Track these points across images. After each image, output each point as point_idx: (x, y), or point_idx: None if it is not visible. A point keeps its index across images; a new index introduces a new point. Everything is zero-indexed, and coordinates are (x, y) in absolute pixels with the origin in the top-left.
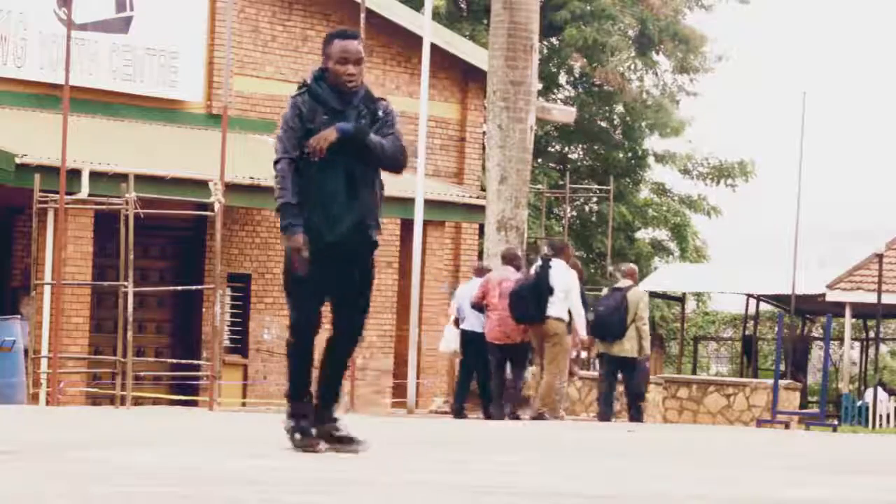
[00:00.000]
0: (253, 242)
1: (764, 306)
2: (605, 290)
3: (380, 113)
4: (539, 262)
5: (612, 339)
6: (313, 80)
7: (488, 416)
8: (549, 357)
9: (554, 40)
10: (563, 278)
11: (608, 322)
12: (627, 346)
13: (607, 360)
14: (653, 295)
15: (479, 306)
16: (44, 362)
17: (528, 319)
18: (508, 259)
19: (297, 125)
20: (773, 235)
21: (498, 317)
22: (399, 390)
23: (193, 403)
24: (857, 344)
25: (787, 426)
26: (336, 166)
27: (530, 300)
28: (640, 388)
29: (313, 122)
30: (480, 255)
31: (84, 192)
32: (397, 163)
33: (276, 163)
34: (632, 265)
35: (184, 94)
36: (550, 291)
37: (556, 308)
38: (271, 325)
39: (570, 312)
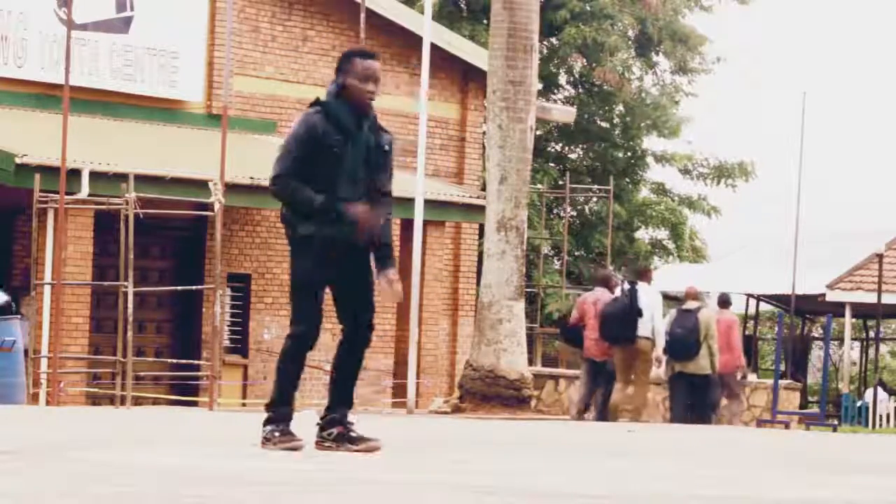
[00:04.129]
0: (253, 242)
1: (764, 306)
2: (672, 312)
3: (385, 147)
4: (626, 286)
5: (688, 358)
6: (331, 98)
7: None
8: (642, 375)
9: (554, 40)
10: (649, 300)
11: (686, 343)
12: (703, 363)
13: (685, 378)
14: None
15: (577, 327)
16: (44, 362)
17: (622, 340)
18: (602, 280)
19: (306, 146)
20: (773, 235)
21: (595, 335)
22: (399, 390)
23: (193, 403)
24: (857, 344)
25: (787, 426)
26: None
27: (623, 322)
28: (714, 400)
29: (326, 141)
30: (480, 256)
31: (84, 192)
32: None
33: (278, 178)
34: (693, 287)
35: (184, 94)
36: (640, 313)
37: (644, 328)
38: (271, 325)
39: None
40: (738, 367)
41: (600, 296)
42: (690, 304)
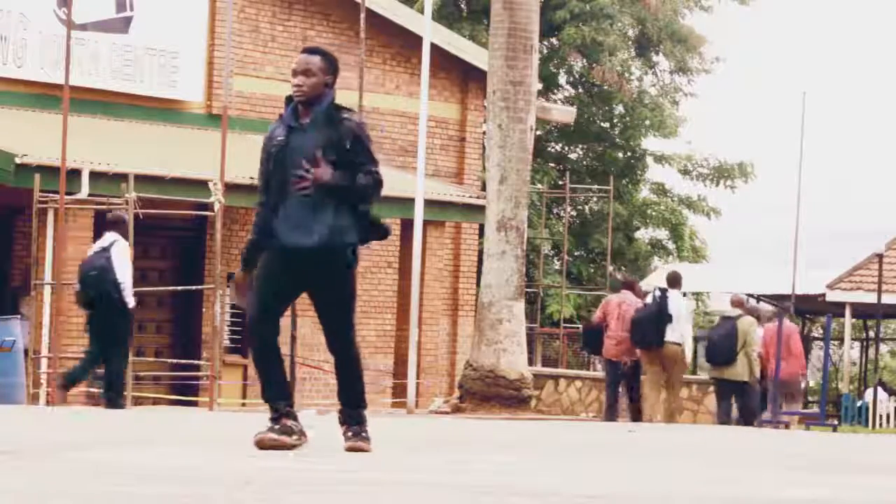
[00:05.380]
0: None
1: (764, 306)
2: (717, 320)
3: (346, 143)
4: (657, 293)
5: (723, 365)
6: (285, 100)
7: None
8: (670, 378)
9: (554, 40)
10: (678, 306)
11: (720, 348)
12: (739, 370)
13: (721, 384)
14: None
15: (599, 327)
16: (44, 362)
17: (649, 344)
18: (628, 284)
19: (263, 150)
20: (773, 235)
21: (616, 338)
22: (399, 390)
23: (193, 403)
24: (857, 344)
25: (787, 426)
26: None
27: (651, 327)
28: (752, 409)
29: (271, 144)
30: (480, 256)
31: (84, 192)
32: (366, 199)
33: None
34: (739, 295)
35: (184, 94)
36: (669, 319)
37: (673, 334)
38: None
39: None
40: (801, 374)
41: (625, 298)
42: (731, 312)
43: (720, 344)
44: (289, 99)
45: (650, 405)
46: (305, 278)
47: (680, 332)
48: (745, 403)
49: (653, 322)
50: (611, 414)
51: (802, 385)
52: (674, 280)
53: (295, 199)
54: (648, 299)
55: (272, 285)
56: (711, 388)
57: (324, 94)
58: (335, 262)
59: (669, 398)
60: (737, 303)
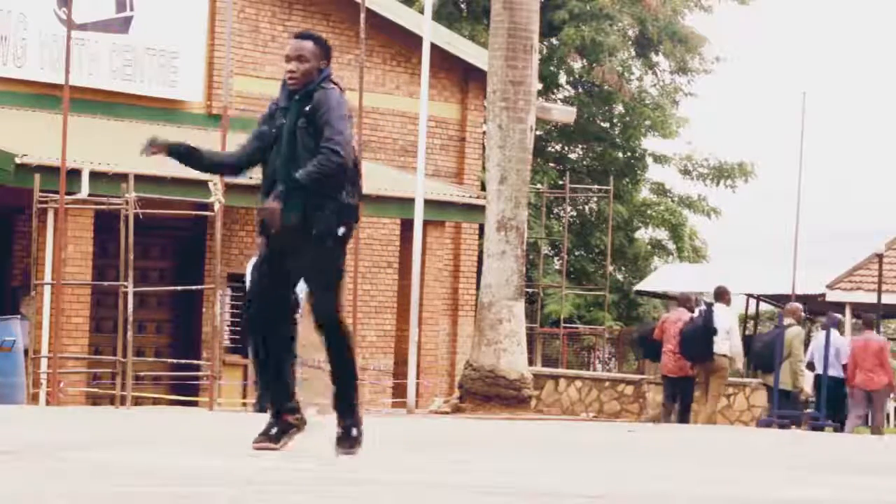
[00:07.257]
0: (253, 242)
1: (764, 306)
2: (770, 327)
3: (315, 105)
4: (703, 307)
5: (766, 371)
6: (282, 85)
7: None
8: (714, 389)
9: (554, 40)
10: (725, 320)
11: (763, 355)
12: (784, 379)
13: (768, 390)
14: (652, 295)
15: (657, 343)
16: (44, 362)
17: (698, 358)
18: (682, 301)
19: (259, 127)
20: (773, 235)
21: (673, 353)
22: (399, 390)
23: (193, 403)
24: None
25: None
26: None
27: (699, 341)
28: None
29: (266, 122)
30: (480, 256)
31: (84, 192)
32: (329, 176)
33: None
34: (795, 304)
35: (184, 94)
36: (715, 332)
37: (720, 346)
38: None
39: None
40: (889, 387)
41: (681, 315)
42: (785, 321)
43: (760, 352)
44: (284, 84)
45: (697, 412)
46: (288, 256)
47: (728, 345)
48: (788, 410)
49: (699, 336)
50: (666, 419)
51: (891, 396)
52: (720, 294)
53: (281, 182)
54: (695, 313)
55: (259, 267)
56: None
57: (316, 79)
58: (308, 236)
59: (709, 406)
60: (789, 312)
